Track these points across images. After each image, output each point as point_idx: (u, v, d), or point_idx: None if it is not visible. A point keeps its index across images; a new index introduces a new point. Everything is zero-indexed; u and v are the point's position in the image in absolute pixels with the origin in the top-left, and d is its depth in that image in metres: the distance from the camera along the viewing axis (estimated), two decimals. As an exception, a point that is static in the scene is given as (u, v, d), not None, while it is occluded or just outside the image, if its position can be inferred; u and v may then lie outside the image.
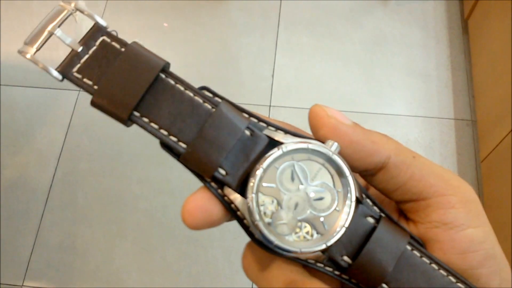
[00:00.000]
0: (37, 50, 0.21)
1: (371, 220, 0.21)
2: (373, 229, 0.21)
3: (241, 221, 0.20)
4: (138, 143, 1.35)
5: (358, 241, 0.20)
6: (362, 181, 0.24)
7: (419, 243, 0.21)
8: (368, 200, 0.21)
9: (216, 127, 0.20)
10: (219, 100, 0.21)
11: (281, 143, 0.20)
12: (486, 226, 0.21)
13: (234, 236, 1.25)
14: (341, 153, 0.21)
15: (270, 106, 1.41)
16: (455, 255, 0.21)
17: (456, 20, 1.53)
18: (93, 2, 1.60)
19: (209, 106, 0.20)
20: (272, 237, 0.19)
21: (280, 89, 1.44)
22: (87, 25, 0.21)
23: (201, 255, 1.24)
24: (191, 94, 0.20)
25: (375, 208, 0.21)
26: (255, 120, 0.21)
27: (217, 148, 0.20)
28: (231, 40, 1.54)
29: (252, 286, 1.19)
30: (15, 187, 1.35)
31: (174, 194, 1.31)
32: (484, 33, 1.30)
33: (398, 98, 1.41)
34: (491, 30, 1.26)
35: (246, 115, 0.21)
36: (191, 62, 1.51)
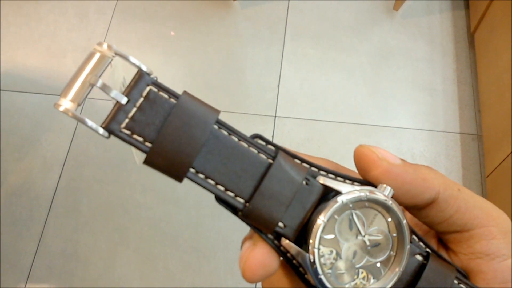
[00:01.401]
0: (79, 105, 0.19)
1: (419, 257, 0.21)
2: (422, 266, 0.21)
3: (296, 269, 0.21)
4: (143, 151, 1.34)
5: (409, 279, 0.21)
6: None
7: (463, 275, 0.22)
8: (414, 236, 0.22)
9: (275, 181, 0.19)
10: (272, 148, 0.20)
11: (337, 192, 0.20)
12: None
13: (237, 247, 1.24)
14: (393, 195, 0.21)
15: (275, 116, 1.41)
16: (498, 284, 0.21)
17: (463, 34, 1.53)
18: (101, 10, 1.61)
19: (264, 157, 0.20)
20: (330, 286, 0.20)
21: (286, 100, 1.45)
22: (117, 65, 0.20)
23: (204, 265, 1.24)
24: (246, 145, 0.20)
25: (421, 243, 0.22)
26: (307, 166, 0.21)
27: (277, 203, 0.19)
28: (237, 50, 1.55)
29: (254, 297, 1.18)
30: (18, 193, 1.35)
31: (179, 204, 1.31)
32: (490, 47, 1.30)
33: (403, 111, 1.41)
34: (497, 44, 1.26)
35: (300, 163, 0.21)
36: (197, 71, 1.51)
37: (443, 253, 0.23)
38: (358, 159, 0.21)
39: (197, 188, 0.20)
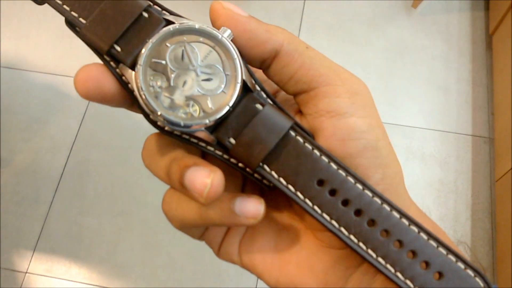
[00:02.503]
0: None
1: (259, 106, 0.21)
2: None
3: (131, 93, 0.21)
4: (151, 137, 1.34)
5: (245, 123, 0.21)
6: (269, 90, 0.25)
7: (307, 134, 0.21)
8: (262, 93, 0.22)
9: (115, 5, 0.20)
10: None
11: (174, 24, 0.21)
12: (372, 119, 0.21)
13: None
14: (235, 42, 0.21)
15: (286, 109, 1.40)
16: (336, 141, 0.21)
17: (481, 34, 1.51)
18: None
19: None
20: (156, 107, 0.20)
21: (297, 93, 1.43)
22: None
23: (206, 254, 1.24)
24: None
25: (268, 100, 0.21)
26: (158, 8, 0.21)
27: (114, 25, 0.20)
28: (250, 39, 1.53)
29: (256, 286, 1.18)
30: (25, 173, 1.35)
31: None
32: (508, 50, 1.28)
33: (416, 110, 1.40)
34: (516, 48, 1.23)
35: (148, 0, 0.21)
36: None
37: (298, 118, 0.23)
38: (210, 14, 0.22)
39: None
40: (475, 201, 1.27)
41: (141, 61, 0.20)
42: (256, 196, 0.21)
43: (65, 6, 0.20)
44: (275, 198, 0.25)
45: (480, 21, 1.53)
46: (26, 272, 1.23)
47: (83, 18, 0.20)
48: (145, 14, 0.20)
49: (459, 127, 1.37)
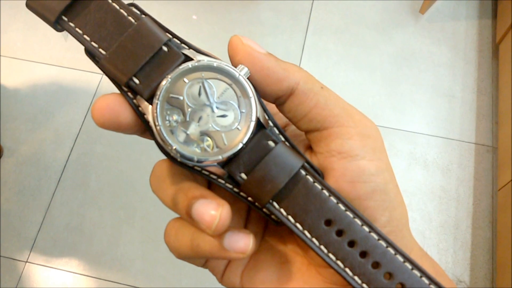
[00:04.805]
0: None
1: (272, 143, 0.21)
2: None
3: (147, 123, 0.21)
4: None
5: (257, 160, 0.21)
6: (280, 123, 0.25)
7: (317, 172, 0.22)
8: (275, 129, 0.22)
9: (135, 38, 0.20)
10: (144, 16, 0.22)
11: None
12: (382, 162, 0.22)
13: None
14: (252, 79, 0.21)
15: (290, 109, 1.40)
16: (345, 183, 0.21)
17: (487, 43, 1.51)
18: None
19: (133, 20, 0.21)
20: (171, 141, 0.20)
21: (302, 94, 1.43)
22: None
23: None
24: (117, 7, 0.21)
25: (281, 136, 0.22)
26: (177, 41, 0.22)
27: (134, 58, 0.20)
28: (258, 39, 1.53)
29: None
30: (29, 163, 1.35)
31: (186, 188, 1.31)
32: (515, 60, 1.28)
33: (420, 116, 1.40)
34: (523, 58, 1.24)
35: (168, 34, 0.21)
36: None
37: (308, 155, 0.24)
38: (228, 49, 0.22)
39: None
40: (476, 209, 1.28)
41: (159, 96, 0.20)
42: (246, 231, 0.21)
43: (85, 36, 0.21)
44: (279, 230, 0.25)
45: (487, 29, 1.54)
46: (26, 262, 1.23)
47: (103, 49, 0.21)
48: (165, 48, 0.21)
49: (463, 135, 1.37)
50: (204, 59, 0.21)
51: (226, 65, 0.21)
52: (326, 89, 0.22)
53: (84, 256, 1.24)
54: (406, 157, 1.34)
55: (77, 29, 0.21)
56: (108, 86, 1.42)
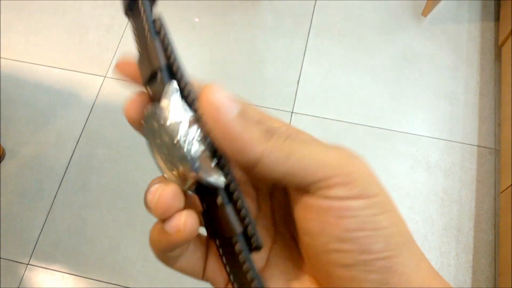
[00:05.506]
0: None
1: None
2: None
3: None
4: (157, 134, 1.34)
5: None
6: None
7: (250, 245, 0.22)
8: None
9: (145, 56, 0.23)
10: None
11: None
12: (370, 197, 0.20)
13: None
14: (215, 141, 0.20)
15: (292, 112, 1.40)
16: (332, 218, 0.20)
17: (490, 46, 1.51)
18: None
19: (147, 39, 0.23)
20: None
21: (304, 96, 1.43)
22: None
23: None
24: (144, 19, 0.24)
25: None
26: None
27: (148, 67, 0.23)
28: (259, 42, 1.53)
29: None
30: (30, 165, 1.35)
31: (188, 190, 1.30)
32: (517, 62, 1.28)
33: (422, 118, 1.40)
34: (525, 60, 1.23)
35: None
36: (216, 59, 1.50)
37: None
38: (200, 99, 0.20)
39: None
40: (479, 212, 1.27)
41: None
42: (186, 210, 0.21)
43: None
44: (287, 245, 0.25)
45: (489, 32, 1.53)
46: (27, 264, 1.23)
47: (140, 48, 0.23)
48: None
49: (465, 137, 1.36)
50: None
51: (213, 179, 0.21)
52: (294, 147, 0.20)
53: (85, 259, 1.24)
54: (408, 159, 1.34)
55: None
56: (111, 88, 1.43)
